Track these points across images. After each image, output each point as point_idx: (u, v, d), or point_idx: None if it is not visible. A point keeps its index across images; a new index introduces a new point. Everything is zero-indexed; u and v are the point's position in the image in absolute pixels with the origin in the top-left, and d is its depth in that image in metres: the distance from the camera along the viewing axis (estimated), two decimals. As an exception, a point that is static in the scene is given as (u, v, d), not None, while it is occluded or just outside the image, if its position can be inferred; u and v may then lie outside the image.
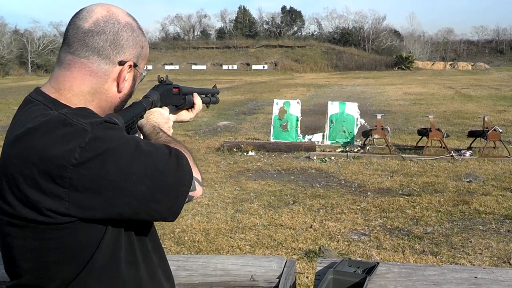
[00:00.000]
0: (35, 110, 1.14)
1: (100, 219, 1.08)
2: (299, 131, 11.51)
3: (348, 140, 11.20)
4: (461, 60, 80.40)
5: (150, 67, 70.44)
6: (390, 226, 5.96)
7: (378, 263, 1.99)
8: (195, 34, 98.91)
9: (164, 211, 1.14)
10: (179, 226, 5.96)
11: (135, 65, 1.26)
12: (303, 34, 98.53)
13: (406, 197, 7.18)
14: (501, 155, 9.91)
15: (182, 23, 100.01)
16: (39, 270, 1.11)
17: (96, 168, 1.04)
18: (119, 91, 1.25)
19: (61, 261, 1.10)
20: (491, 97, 24.09)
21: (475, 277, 1.87)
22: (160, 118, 1.40)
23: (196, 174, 1.22)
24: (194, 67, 77.82)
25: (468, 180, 8.07)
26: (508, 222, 6.03)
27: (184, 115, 1.62)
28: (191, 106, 1.61)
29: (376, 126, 10.26)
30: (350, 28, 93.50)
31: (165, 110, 1.45)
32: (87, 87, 1.20)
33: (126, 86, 1.26)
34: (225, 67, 77.32)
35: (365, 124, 11.49)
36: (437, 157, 9.79)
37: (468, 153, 9.97)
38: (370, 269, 1.93)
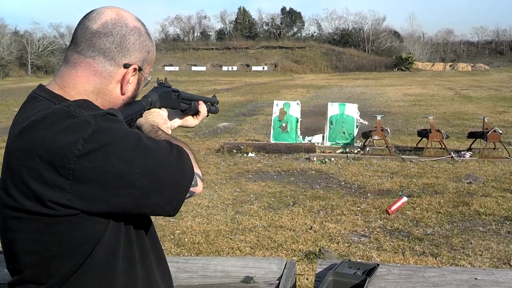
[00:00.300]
0: (39, 105, 1.16)
1: (102, 212, 1.09)
2: (299, 132, 11.50)
3: (348, 141, 11.20)
4: (461, 61, 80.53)
5: (150, 68, 70.31)
6: (390, 227, 5.95)
7: (378, 264, 1.99)
8: (195, 35, 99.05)
9: (165, 205, 1.15)
10: (179, 227, 5.96)
11: (140, 69, 1.28)
12: (303, 35, 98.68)
13: (406, 198, 7.17)
14: (501, 156, 9.91)
15: (182, 24, 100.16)
16: (40, 264, 1.12)
17: (99, 160, 1.05)
18: (122, 93, 1.27)
19: (62, 255, 1.10)
20: (491, 98, 24.10)
21: (475, 279, 1.88)
22: (158, 118, 1.41)
23: (197, 169, 1.23)
24: (194, 68, 77.92)
25: (468, 181, 8.07)
26: (508, 223, 6.03)
27: (190, 120, 1.65)
28: (196, 112, 1.63)
29: (376, 127, 10.26)
30: (350, 29, 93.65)
31: (164, 111, 1.46)
32: (91, 87, 1.22)
33: (129, 89, 1.28)
34: (225, 68, 77.42)
35: (365, 122, 11.47)
36: (437, 158, 9.79)
37: (468, 154, 9.97)
38: (370, 271, 1.93)
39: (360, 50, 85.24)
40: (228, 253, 5.19)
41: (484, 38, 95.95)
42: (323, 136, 11.54)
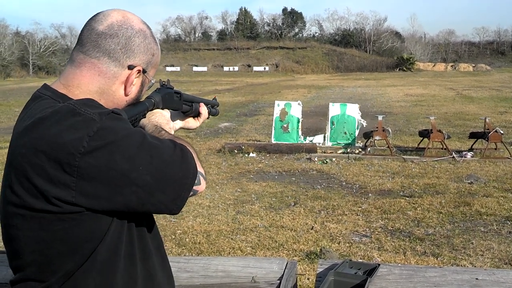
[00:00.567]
0: (43, 104, 1.17)
1: (106, 209, 1.10)
2: (300, 132, 11.50)
3: (349, 141, 11.20)
4: (462, 62, 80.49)
5: (151, 68, 70.39)
6: (391, 227, 5.95)
7: (379, 264, 1.99)
8: (196, 35, 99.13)
9: (169, 202, 1.16)
10: (180, 227, 5.97)
11: (144, 71, 1.29)
12: (304, 35, 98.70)
13: (407, 198, 7.17)
14: (502, 156, 9.90)
15: (183, 24, 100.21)
16: (42, 262, 1.12)
17: (104, 158, 1.06)
18: (126, 95, 1.28)
19: (65, 253, 1.11)
20: (492, 99, 24.09)
21: (476, 279, 1.87)
22: (161, 118, 1.42)
23: (200, 169, 1.24)
24: (195, 68, 77.98)
25: (469, 181, 8.06)
26: (509, 223, 6.03)
27: (191, 122, 1.65)
28: (197, 114, 1.64)
29: (377, 127, 10.25)
30: (351, 30, 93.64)
31: (166, 112, 1.47)
32: (95, 87, 1.23)
33: (133, 91, 1.29)
34: (226, 68, 77.46)
35: (363, 122, 11.44)
36: (438, 159, 9.78)
37: (469, 155, 9.96)
38: (371, 271, 1.93)
39: (361, 50, 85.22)
40: (229, 253, 5.19)
41: (485, 38, 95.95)
42: (324, 137, 11.53)
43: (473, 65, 74.73)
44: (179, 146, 1.20)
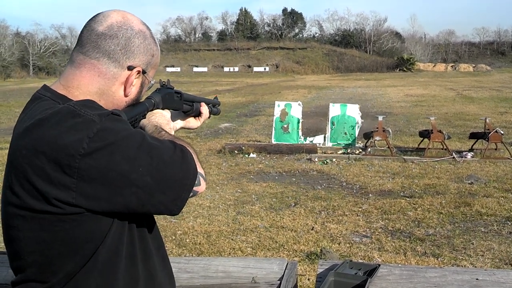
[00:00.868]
0: (43, 105, 1.17)
1: (106, 211, 1.10)
2: (300, 133, 11.50)
3: (350, 142, 11.20)
4: (463, 62, 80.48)
5: (151, 69, 70.41)
6: (392, 228, 5.95)
7: (379, 265, 1.99)
8: (197, 36, 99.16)
9: (169, 203, 1.16)
10: (181, 228, 5.97)
11: (143, 72, 1.29)
12: (304, 36, 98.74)
13: (407, 199, 7.17)
14: (502, 156, 9.90)
15: (183, 25, 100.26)
16: (43, 263, 1.12)
17: (104, 159, 1.06)
18: (125, 95, 1.28)
19: (65, 254, 1.11)
20: (492, 99, 24.09)
21: (477, 279, 1.87)
22: (161, 119, 1.42)
23: (200, 169, 1.24)
24: (195, 69, 78.00)
25: (469, 182, 8.06)
26: (510, 223, 6.03)
27: (192, 122, 1.66)
28: (198, 114, 1.64)
29: (377, 128, 10.25)
30: (351, 30, 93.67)
31: (166, 112, 1.48)
32: (95, 87, 1.24)
33: (133, 91, 1.30)
34: (226, 69, 77.48)
35: (359, 122, 11.42)
36: (439, 159, 9.78)
37: (469, 155, 9.96)
38: (371, 271, 1.93)
39: (361, 51, 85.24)
40: (229, 253, 5.19)
41: (485, 38, 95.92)
42: (324, 137, 11.53)
43: (473, 65, 74.73)
44: (179, 146, 1.20)
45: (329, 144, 11.32)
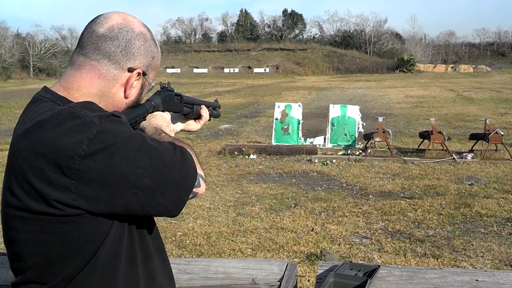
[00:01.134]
0: (43, 106, 1.17)
1: (106, 212, 1.10)
2: (300, 134, 11.51)
3: (350, 143, 11.20)
4: (463, 63, 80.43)
5: (151, 70, 70.37)
6: (392, 229, 5.95)
7: (379, 266, 1.99)
8: (197, 37, 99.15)
9: (169, 205, 1.16)
10: (181, 229, 5.97)
11: (144, 74, 1.29)
12: (304, 37, 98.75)
13: (407, 200, 7.17)
14: (502, 157, 9.90)
15: (183, 26, 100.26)
16: (43, 265, 1.12)
17: (103, 161, 1.06)
18: (125, 97, 1.28)
19: (65, 256, 1.11)
20: (492, 100, 24.09)
21: (476, 280, 1.88)
22: (162, 121, 1.43)
23: (200, 171, 1.24)
24: (195, 70, 77.98)
25: (469, 183, 8.06)
26: (510, 225, 6.03)
27: (192, 125, 1.67)
28: (198, 116, 1.65)
29: (377, 129, 10.26)
30: (351, 31, 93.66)
31: (167, 114, 1.48)
32: (95, 89, 1.24)
33: (133, 93, 1.30)
34: (226, 70, 77.47)
35: (361, 125, 11.43)
36: (439, 160, 9.78)
37: (469, 156, 9.96)
38: (371, 272, 1.93)
39: (361, 52, 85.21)
40: (229, 254, 5.20)
41: (485, 39, 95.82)
42: (324, 138, 11.53)
43: (474, 66, 74.72)
44: (179, 148, 1.20)
45: (329, 145, 11.32)
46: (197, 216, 6.48)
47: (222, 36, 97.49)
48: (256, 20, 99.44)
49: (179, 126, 1.62)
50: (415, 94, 28.89)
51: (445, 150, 10.17)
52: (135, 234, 1.22)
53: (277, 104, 11.99)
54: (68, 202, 1.06)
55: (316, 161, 10.05)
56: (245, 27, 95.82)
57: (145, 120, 1.39)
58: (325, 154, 10.80)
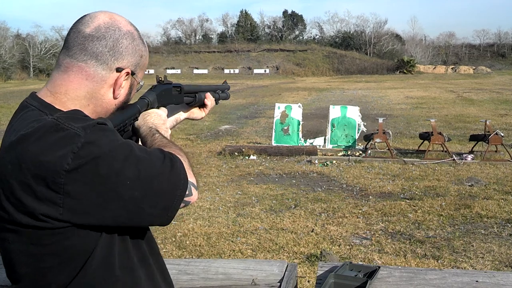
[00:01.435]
0: (30, 116, 1.15)
1: (94, 224, 1.08)
2: (300, 135, 11.51)
3: (350, 144, 11.21)
4: (463, 64, 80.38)
5: (152, 71, 70.46)
6: (392, 230, 5.95)
7: (379, 267, 1.99)
8: (197, 38, 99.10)
9: (159, 216, 1.14)
10: (181, 230, 5.97)
11: (132, 73, 1.27)
12: (304, 38, 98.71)
13: (407, 201, 7.17)
14: (502, 159, 9.90)
15: (183, 27, 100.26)
16: (35, 276, 1.12)
17: (89, 174, 1.04)
18: (114, 98, 1.25)
19: (56, 266, 1.10)
20: (492, 101, 24.09)
21: (476, 281, 1.87)
22: (157, 119, 1.39)
23: (191, 178, 1.20)
24: (196, 71, 77.97)
25: (469, 184, 8.06)
26: (510, 226, 6.03)
27: (196, 113, 1.63)
28: (202, 104, 1.62)
29: (377, 130, 10.26)
30: (351, 32, 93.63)
31: (162, 111, 1.45)
32: (83, 91, 1.21)
33: (122, 93, 1.27)
34: (226, 71, 77.43)
35: (363, 128, 11.45)
36: (439, 161, 9.79)
37: (469, 157, 9.96)
38: (371, 273, 1.93)
39: (361, 53, 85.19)
40: (229, 255, 5.20)
41: (486, 41, 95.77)
42: (324, 139, 11.55)
43: (474, 67, 74.67)
44: (169, 156, 1.17)
45: (329, 146, 11.33)
46: (197, 217, 6.48)
47: (222, 37, 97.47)
48: (256, 21, 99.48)
49: (183, 115, 1.59)
50: (415, 95, 28.89)
51: (445, 151, 10.17)
52: (128, 241, 1.20)
53: (277, 105, 12.00)
54: (56, 216, 1.04)
55: (316, 162, 10.05)
56: (245, 28, 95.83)
57: (137, 120, 1.36)
58: (325, 155, 10.80)
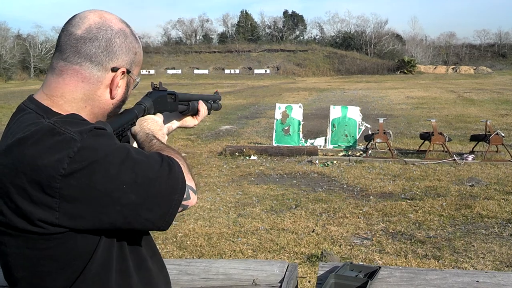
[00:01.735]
0: (27, 119, 1.14)
1: (91, 229, 1.08)
2: (301, 135, 11.51)
3: (350, 144, 11.21)
4: (463, 64, 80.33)
5: (152, 71, 70.53)
6: (393, 230, 5.95)
7: (380, 267, 1.99)
8: (197, 38, 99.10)
9: (156, 220, 1.13)
10: (181, 230, 5.97)
11: (128, 72, 1.26)
12: (305, 38, 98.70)
13: (408, 201, 7.17)
14: (503, 159, 9.90)
15: (184, 27, 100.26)
16: (32, 279, 1.11)
17: (85, 178, 1.03)
18: (112, 98, 1.24)
19: (54, 271, 1.10)
20: (493, 101, 24.08)
21: (477, 281, 1.88)
22: (153, 125, 1.38)
23: (189, 182, 1.19)
24: (196, 71, 77.95)
25: (470, 184, 8.06)
26: (510, 226, 6.02)
27: (189, 121, 1.62)
28: (195, 112, 1.61)
29: (378, 130, 10.26)
30: (352, 32, 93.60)
31: (159, 117, 1.44)
32: (80, 94, 1.20)
33: (119, 93, 1.26)
34: (227, 71, 77.43)
35: (367, 125, 11.46)
36: (440, 161, 9.78)
37: (470, 157, 9.96)
38: (372, 273, 1.93)
39: (362, 53, 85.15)
40: (230, 255, 5.20)
41: (486, 41, 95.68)
42: (325, 139, 11.54)
43: (474, 67, 74.62)
44: (166, 159, 1.16)
45: (330, 146, 11.33)
46: (197, 217, 6.48)
47: (222, 37, 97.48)
48: (256, 21, 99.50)
49: (176, 124, 1.58)
50: (416, 95, 28.88)
51: (446, 151, 10.17)
52: (126, 246, 1.19)
53: (277, 105, 11.99)
54: (52, 220, 1.03)
55: (317, 162, 10.05)
56: (246, 28, 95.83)
57: (134, 125, 1.36)
58: (325, 155, 10.80)
